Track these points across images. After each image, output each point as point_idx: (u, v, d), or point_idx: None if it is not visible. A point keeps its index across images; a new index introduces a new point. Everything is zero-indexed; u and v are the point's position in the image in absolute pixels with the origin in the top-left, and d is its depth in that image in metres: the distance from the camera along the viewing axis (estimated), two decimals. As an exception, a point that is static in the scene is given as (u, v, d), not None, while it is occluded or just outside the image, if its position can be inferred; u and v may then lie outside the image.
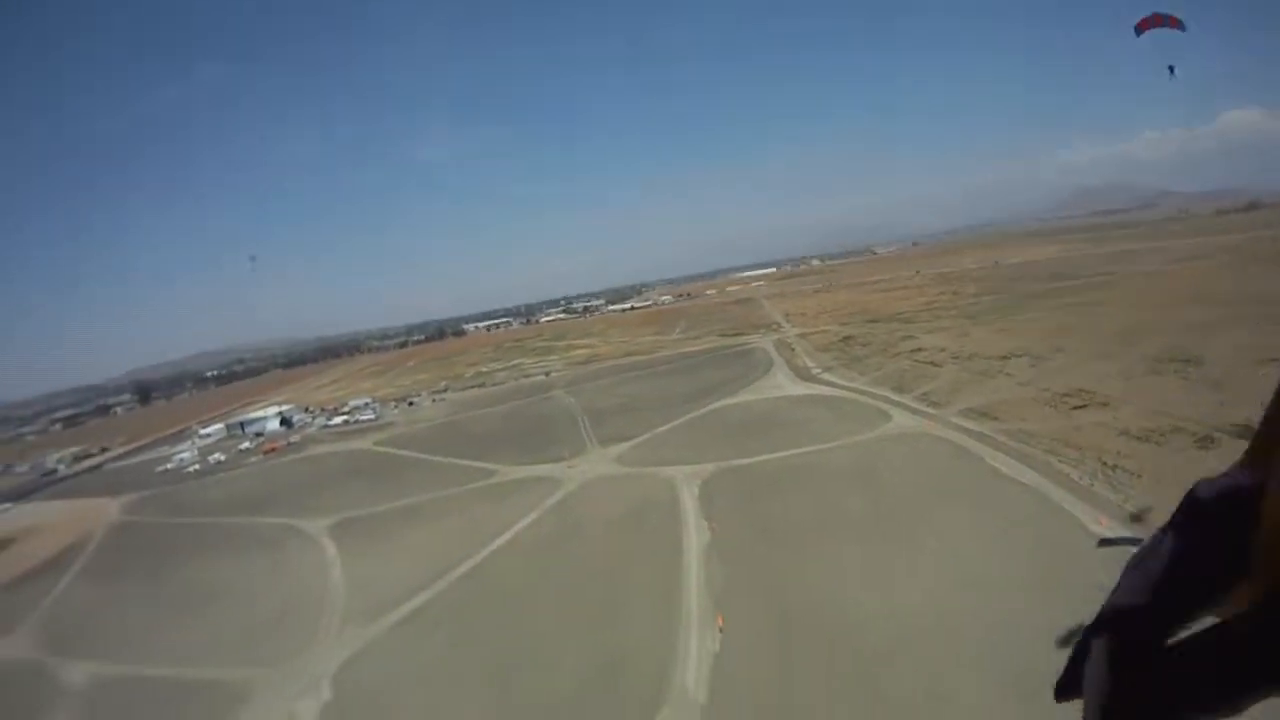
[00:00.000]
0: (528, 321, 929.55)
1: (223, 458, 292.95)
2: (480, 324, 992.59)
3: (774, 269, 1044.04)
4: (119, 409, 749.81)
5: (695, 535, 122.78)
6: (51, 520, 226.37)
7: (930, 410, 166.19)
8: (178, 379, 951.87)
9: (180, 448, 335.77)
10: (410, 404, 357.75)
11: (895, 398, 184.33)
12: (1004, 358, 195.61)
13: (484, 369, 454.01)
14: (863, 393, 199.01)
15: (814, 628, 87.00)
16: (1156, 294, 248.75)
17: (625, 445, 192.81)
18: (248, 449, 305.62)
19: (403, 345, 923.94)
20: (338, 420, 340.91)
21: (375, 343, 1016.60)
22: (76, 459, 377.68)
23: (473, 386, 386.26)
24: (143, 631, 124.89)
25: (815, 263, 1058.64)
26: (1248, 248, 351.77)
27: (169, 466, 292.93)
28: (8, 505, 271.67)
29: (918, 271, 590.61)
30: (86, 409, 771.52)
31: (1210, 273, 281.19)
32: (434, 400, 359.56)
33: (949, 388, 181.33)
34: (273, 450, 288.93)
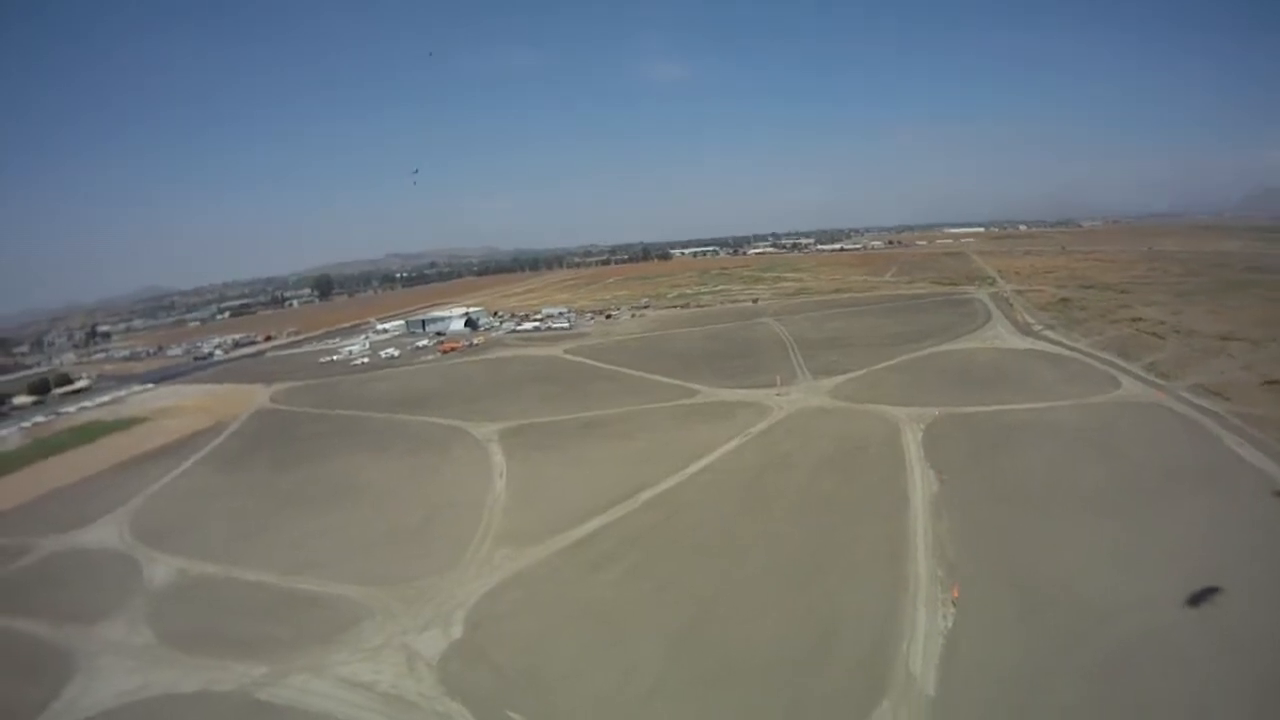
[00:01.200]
0: (735, 252, 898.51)
1: (395, 353, 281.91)
2: (686, 250, 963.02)
3: (982, 229, 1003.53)
4: (295, 302, 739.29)
5: (921, 485, 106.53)
6: (192, 403, 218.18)
7: (1159, 381, 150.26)
8: (364, 277, 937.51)
9: (352, 341, 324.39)
10: (608, 317, 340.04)
11: (1121, 364, 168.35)
12: (1223, 338, 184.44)
13: (688, 291, 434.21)
14: (1088, 355, 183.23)
15: (1058, 613, 72.98)
16: None
17: (839, 378, 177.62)
18: (425, 346, 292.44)
19: (605, 263, 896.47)
20: (528, 326, 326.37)
21: (576, 259, 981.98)
22: (237, 345, 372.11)
23: (676, 306, 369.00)
24: (252, 529, 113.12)
25: (1022, 228, 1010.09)
26: None
27: (335, 358, 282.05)
28: (149, 385, 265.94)
29: (1123, 249, 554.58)
30: (260, 299, 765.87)
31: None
32: (634, 315, 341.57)
33: (1174, 361, 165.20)
34: (452, 349, 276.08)
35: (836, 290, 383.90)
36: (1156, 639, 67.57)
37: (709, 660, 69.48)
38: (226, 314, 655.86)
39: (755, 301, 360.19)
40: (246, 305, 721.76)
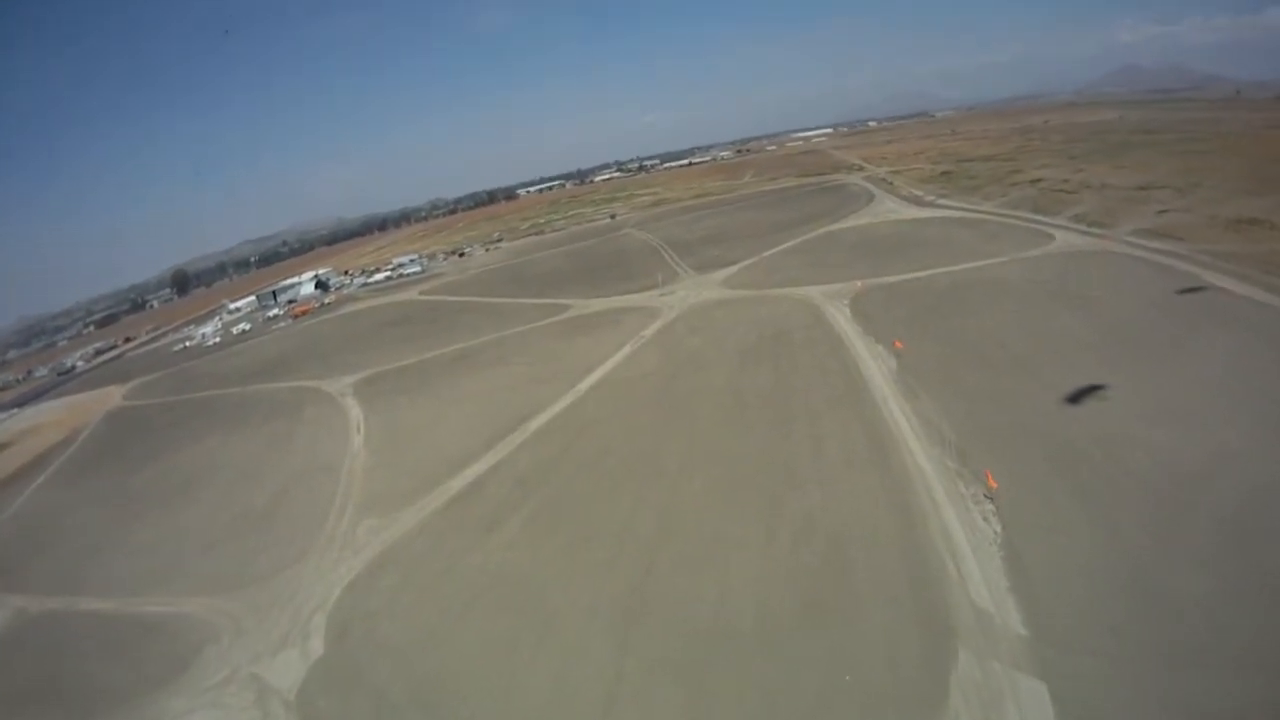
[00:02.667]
0: (581, 183, 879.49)
1: (248, 328, 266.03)
2: (533, 189, 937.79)
3: (830, 130, 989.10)
4: (155, 303, 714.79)
5: (874, 362, 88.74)
6: (50, 419, 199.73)
7: (1096, 231, 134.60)
8: (219, 269, 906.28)
9: (204, 326, 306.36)
10: (461, 255, 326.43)
11: (1042, 220, 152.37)
12: (1142, 189, 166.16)
13: (540, 221, 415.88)
14: (998, 215, 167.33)
15: (1126, 486, 54.24)
16: (1262, 147, 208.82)
17: (729, 270, 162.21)
18: (277, 316, 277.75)
19: (452, 213, 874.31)
20: (379, 277, 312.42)
21: (424, 215, 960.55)
22: (98, 354, 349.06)
23: (530, 235, 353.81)
24: (98, 543, 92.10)
25: (872, 124, 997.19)
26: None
27: (187, 345, 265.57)
28: (11, 411, 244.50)
29: (985, 130, 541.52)
30: (123, 308, 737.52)
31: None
32: (488, 250, 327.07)
33: (1101, 212, 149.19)
34: (304, 313, 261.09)
35: (696, 196, 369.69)
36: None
37: (675, 639, 47.92)
38: (92, 327, 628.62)
39: (613, 217, 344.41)
40: (111, 315, 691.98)
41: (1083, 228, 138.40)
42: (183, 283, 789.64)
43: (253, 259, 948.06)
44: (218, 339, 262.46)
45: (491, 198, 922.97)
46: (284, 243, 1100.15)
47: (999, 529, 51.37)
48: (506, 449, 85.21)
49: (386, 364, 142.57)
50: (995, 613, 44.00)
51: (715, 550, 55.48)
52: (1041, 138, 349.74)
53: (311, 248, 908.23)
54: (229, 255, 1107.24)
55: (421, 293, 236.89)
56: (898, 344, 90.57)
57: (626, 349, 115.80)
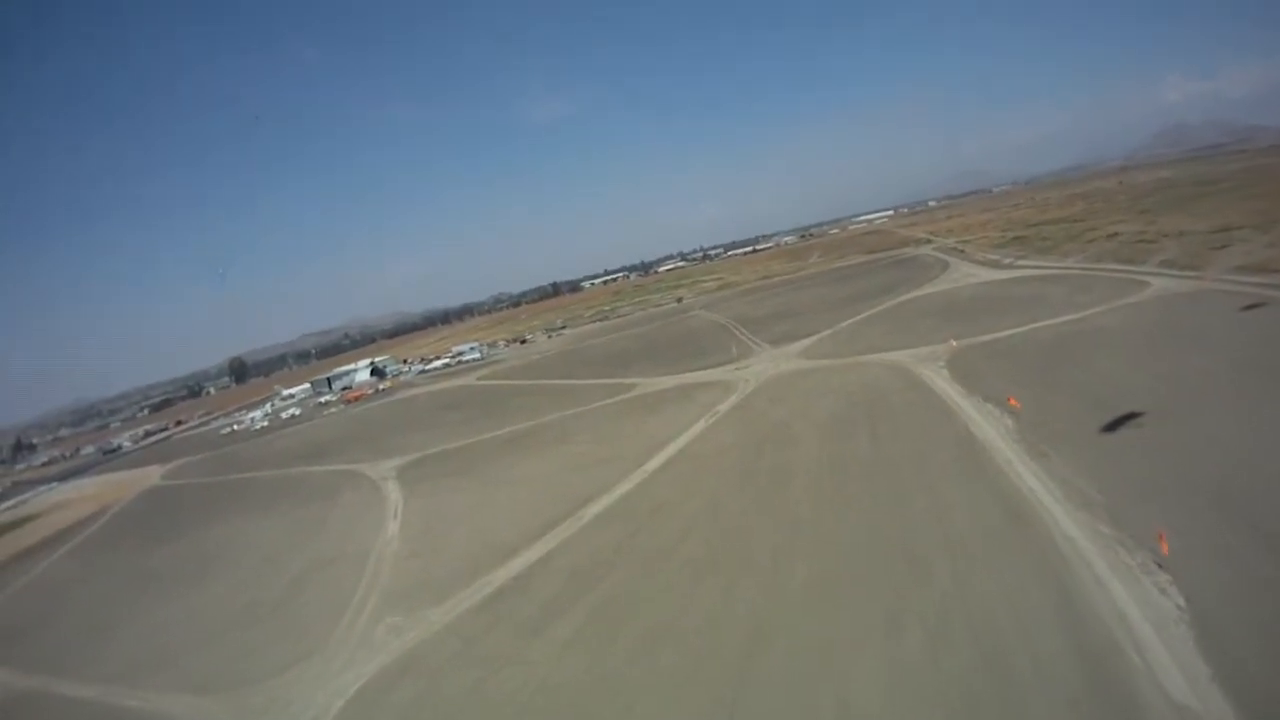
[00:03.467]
0: (645, 273, 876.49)
1: (297, 413, 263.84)
2: (596, 280, 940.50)
3: (891, 211, 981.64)
4: (212, 389, 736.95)
5: (987, 422, 75.11)
6: (85, 494, 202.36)
7: (1189, 274, 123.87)
8: (279, 359, 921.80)
9: (254, 411, 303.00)
10: (523, 342, 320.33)
11: (1129, 269, 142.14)
12: (1221, 231, 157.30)
13: (605, 308, 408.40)
14: (1083, 269, 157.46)
15: None
16: None
17: (806, 341, 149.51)
18: (328, 401, 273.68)
19: (515, 305, 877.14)
20: (437, 364, 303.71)
21: (487, 308, 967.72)
22: (147, 435, 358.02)
23: (594, 321, 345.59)
24: (102, 621, 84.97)
25: (932, 204, 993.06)
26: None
27: (235, 429, 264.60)
28: (52, 484, 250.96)
29: (1048, 198, 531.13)
30: (179, 394, 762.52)
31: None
32: (550, 336, 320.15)
33: (1188, 256, 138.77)
34: (356, 399, 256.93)
35: (763, 278, 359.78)
36: None
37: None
38: (146, 410, 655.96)
39: (679, 301, 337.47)
40: (168, 400, 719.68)
41: (1174, 272, 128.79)
42: (240, 371, 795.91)
43: (313, 351, 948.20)
44: (265, 423, 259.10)
45: (555, 290, 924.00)
46: (345, 335, 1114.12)
47: (1182, 602, 38.84)
48: (560, 537, 71.98)
49: (434, 447, 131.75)
50: (1202, 710, 31.93)
51: (828, 658, 41.70)
52: (1107, 198, 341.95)
53: (373, 340, 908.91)
54: (290, 347, 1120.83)
55: (479, 378, 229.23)
56: (1012, 401, 77.30)
57: (700, 424, 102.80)
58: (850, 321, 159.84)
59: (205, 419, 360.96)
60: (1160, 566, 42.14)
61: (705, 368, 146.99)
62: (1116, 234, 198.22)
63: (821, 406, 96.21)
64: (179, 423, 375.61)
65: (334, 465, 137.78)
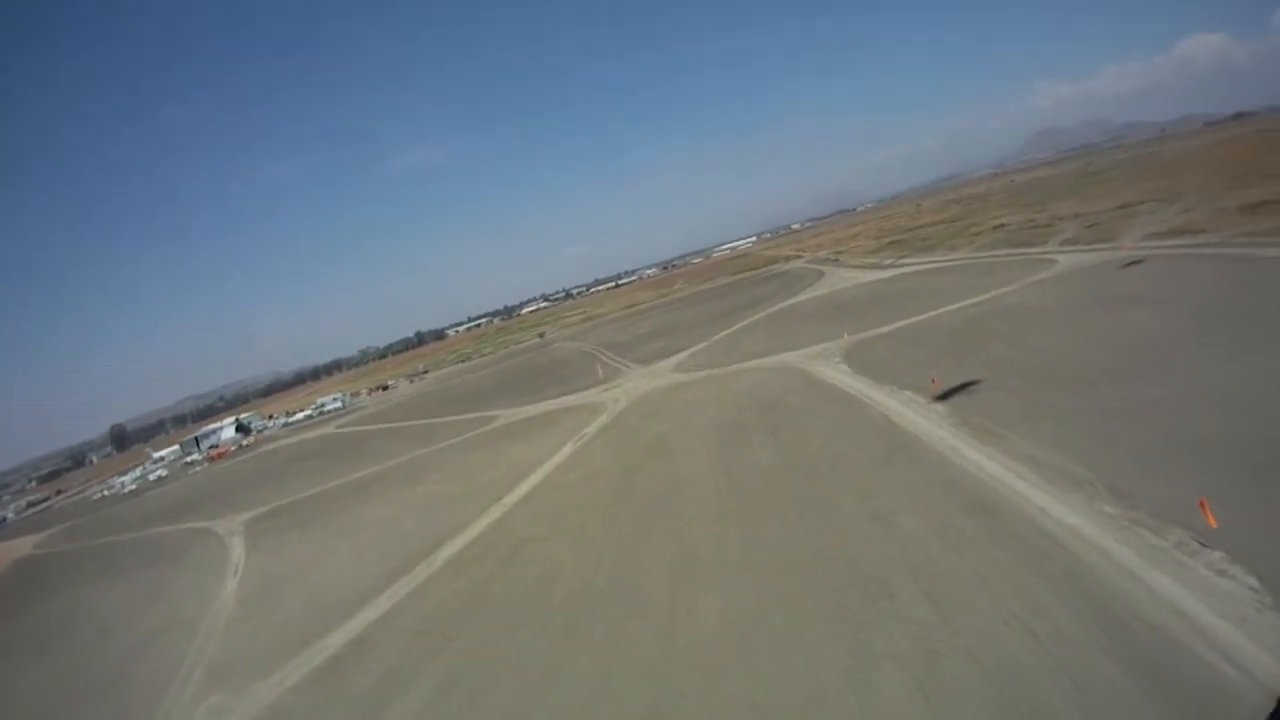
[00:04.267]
0: (509, 317, 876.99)
1: (164, 474, 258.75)
2: (460, 327, 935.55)
3: (755, 237, 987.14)
4: (94, 459, 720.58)
5: (910, 410, 63.46)
6: None
7: (1102, 246, 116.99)
8: (159, 425, 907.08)
9: (125, 476, 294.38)
10: (384, 389, 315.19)
11: (1030, 251, 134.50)
12: (1124, 207, 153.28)
13: (468, 350, 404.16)
14: (976, 259, 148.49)
15: None
16: (1220, 159, 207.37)
17: (679, 356, 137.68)
18: (195, 460, 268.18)
19: (382, 358, 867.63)
20: (299, 416, 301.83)
21: (355, 363, 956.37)
22: (29, 505, 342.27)
23: (457, 363, 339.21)
24: None
25: (795, 226, 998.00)
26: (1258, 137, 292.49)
27: (105, 493, 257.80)
28: None
29: (919, 205, 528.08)
30: (65, 464, 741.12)
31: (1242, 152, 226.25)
32: (412, 381, 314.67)
33: (1094, 232, 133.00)
34: (220, 456, 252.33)
35: (627, 308, 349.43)
36: None
37: None
38: (34, 482, 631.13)
39: (541, 336, 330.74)
40: (55, 471, 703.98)
41: (1082, 247, 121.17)
42: (121, 438, 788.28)
43: (189, 414, 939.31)
44: (134, 486, 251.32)
45: (420, 340, 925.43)
46: (221, 398, 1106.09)
47: (1254, 582, 28.32)
48: (406, 589, 58.92)
49: (285, 498, 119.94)
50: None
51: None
52: (984, 199, 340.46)
53: (246, 400, 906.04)
54: (170, 411, 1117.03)
55: (338, 426, 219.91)
56: (935, 382, 65.37)
57: (567, 449, 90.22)
58: (725, 333, 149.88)
59: (84, 486, 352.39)
60: (1204, 545, 31.40)
61: (570, 393, 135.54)
62: (1003, 224, 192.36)
63: (705, 417, 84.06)
64: (59, 492, 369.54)
65: (187, 524, 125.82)
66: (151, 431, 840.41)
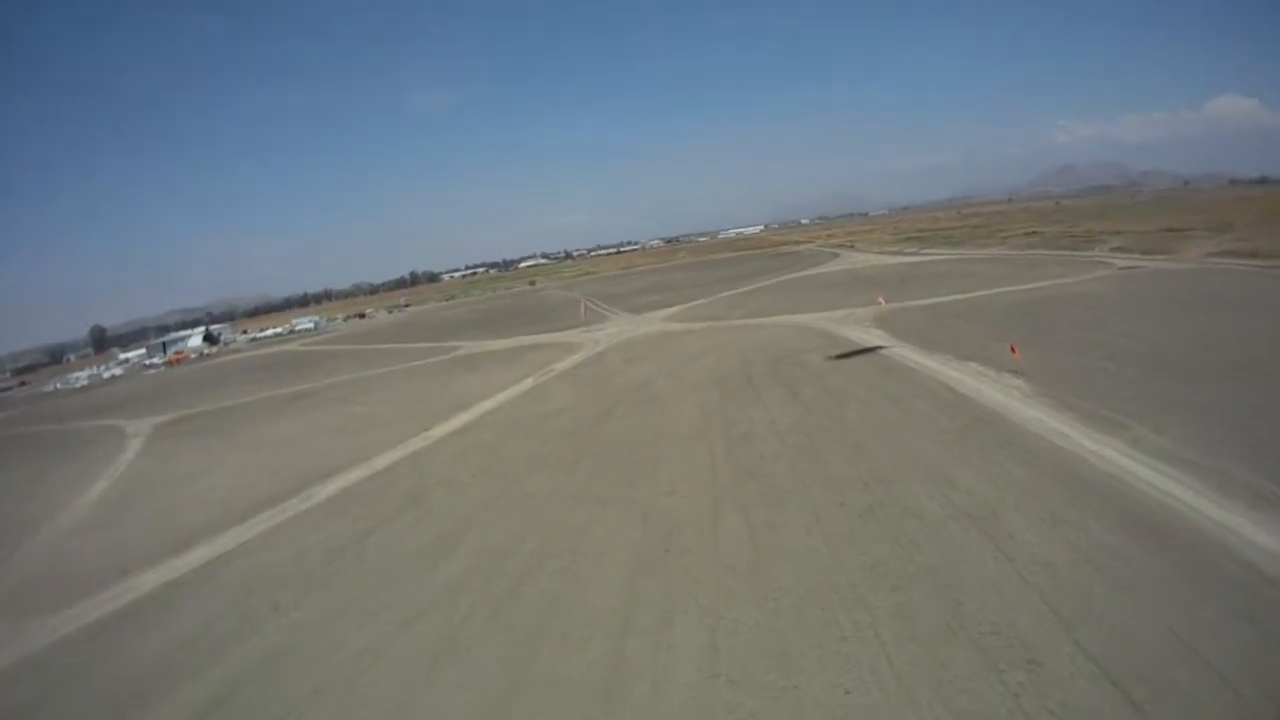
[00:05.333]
0: (506, 269, 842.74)
1: (119, 373, 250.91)
2: (455, 273, 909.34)
3: (763, 226, 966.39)
4: (72, 357, 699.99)
5: (978, 382, 48.68)
6: None
7: (1161, 256, 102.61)
8: (142, 331, 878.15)
9: (82, 372, 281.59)
10: (361, 316, 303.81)
11: (1078, 254, 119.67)
12: (1169, 230, 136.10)
13: (454, 292, 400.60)
14: (1013, 254, 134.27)
15: None
16: (1257, 206, 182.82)
17: (675, 308, 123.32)
18: (154, 364, 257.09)
19: (373, 292, 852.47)
20: (269, 333, 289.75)
21: (347, 293, 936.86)
22: None
23: (440, 301, 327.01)
24: None
25: (805, 221, 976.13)
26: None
27: (58, 387, 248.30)
28: None
29: (934, 216, 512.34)
30: (44, 360, 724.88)
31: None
32: (390, 312, 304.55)
33: (1147, 245, 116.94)
34: (178, 361, 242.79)
35: (626, 268, 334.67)
36: None
37: None
38: (9, 374, 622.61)
39: (532, 283, 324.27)
40: (30, 366, 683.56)
41: (1136, 256, 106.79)
42: (99, 340, 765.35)
43: (174, 325, 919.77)
44: (86, 382, 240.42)
45: (414, 279, 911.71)
46: (208, 313, 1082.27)
47: None
48: (267, 523, 44.06)
49: (208, 405, 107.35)
50: None
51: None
52: (1004, 216, 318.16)
53: (233, 317, 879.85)
54: (157, 321, 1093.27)
55: (301, 345, 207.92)
56: (1015, 352, 50.03)
57: (526, 383, 76.46)
58: (729, 293, 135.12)
59: (47, 381, 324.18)
60: None
61: (546, 331, 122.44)
62: (1036, 232, 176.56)
63: (700, 366, 69.26)
64: (23, 383, 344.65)
65: (106, 420, 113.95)
66: (134, 337, 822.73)
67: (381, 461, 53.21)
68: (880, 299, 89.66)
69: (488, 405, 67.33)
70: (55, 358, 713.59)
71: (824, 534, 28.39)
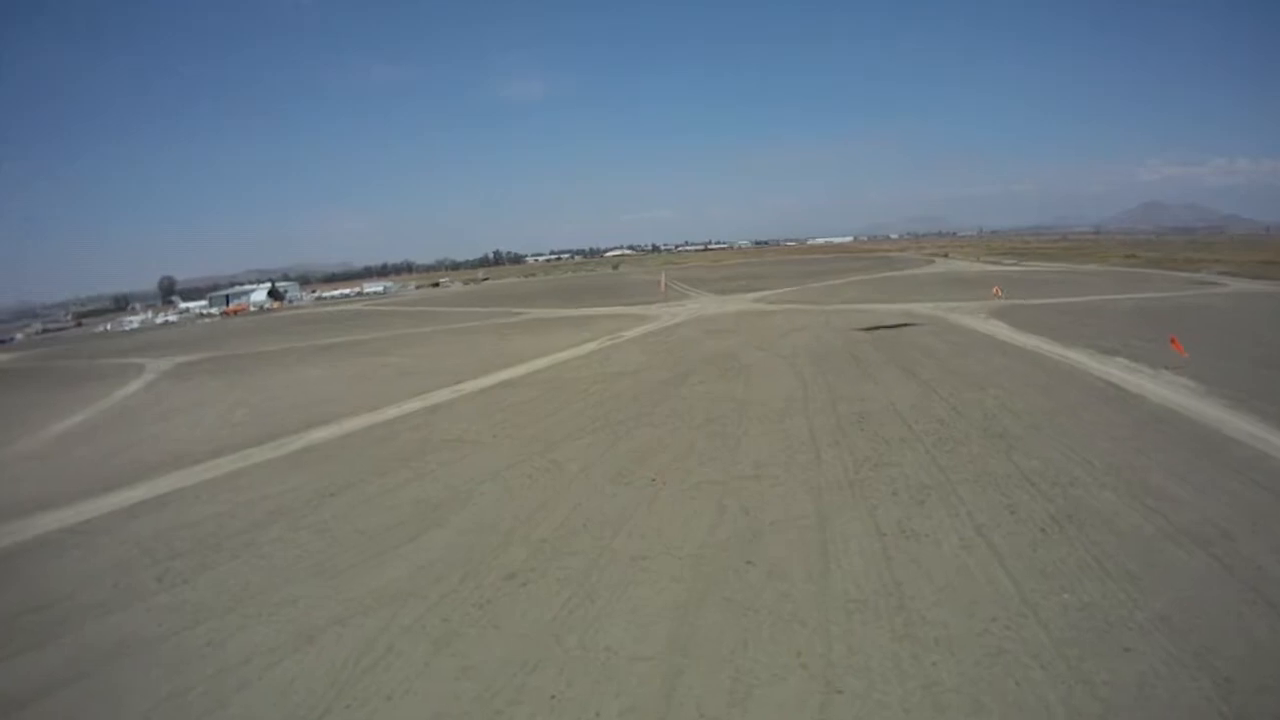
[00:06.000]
0: (591, 256, 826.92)
1: (173, 319, 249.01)
2: (540, 257, 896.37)
3: (851, 239, 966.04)
4: (138, 305, 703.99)
5: (1132, 375, 38.57)
6: None
7: (1267, 281, 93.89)
8: (213, 286, 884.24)
9: (136, 317, 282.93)
10: (435, 285, 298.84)
11: (1180, 275, 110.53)
12: (1269, 263, 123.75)
13: (534, 273, 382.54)
14: (1119, 270, 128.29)
15: None
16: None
17: (765, 293, 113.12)
18: (209, 313, 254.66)
19: (454, 268, 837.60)
20: (337, 294, 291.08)
21: (429, 267, 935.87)
22: (44, 331, 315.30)
23: (520, 278, 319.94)
24: None
25: (893, 236, 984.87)
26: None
27: (108, 328, 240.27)
28: None
29: (1025, 240, 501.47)
30: (109, 306, 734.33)
31: None
32: (467, 284, 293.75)
33: (1252, 273, 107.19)
34: (235, 312, 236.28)
35: (714, 262, 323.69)
36: None
37: None
38: (71, 316, 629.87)
39: (616, 267, 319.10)
40: (97, 310, 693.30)
41: (1246, 280, 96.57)
42: (169, 290, 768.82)
43: (248, 283, 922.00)
44: (137, 325, 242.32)
45: (498, 259, 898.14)
46: (286, 275, 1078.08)
47: None
48: (222, 469, 35.44)
49: (244, 349, 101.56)
50: None
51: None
52: (1095, 243, 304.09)
53: (308, 281, 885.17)
54: (232, 279, 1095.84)
55: (365, 305, 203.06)
56: (1176, 344, 41.94)
57: (589, 346, 67.57)
58: (824, 284, 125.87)
59: (104, 322, 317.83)
60: None
61: (622, 305, 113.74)
62: (1134, 255, 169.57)
63: (795, 341, 59.87)
64: (79, 324, 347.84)
65: (133, 360, 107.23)
66: (205, 291, 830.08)
67: (393, 411, 44.98)
68: (996, 290, 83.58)
69: (540, 364, 59.24)
70: (120, 305, 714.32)
71: (994, 553, 18.69)
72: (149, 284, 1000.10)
